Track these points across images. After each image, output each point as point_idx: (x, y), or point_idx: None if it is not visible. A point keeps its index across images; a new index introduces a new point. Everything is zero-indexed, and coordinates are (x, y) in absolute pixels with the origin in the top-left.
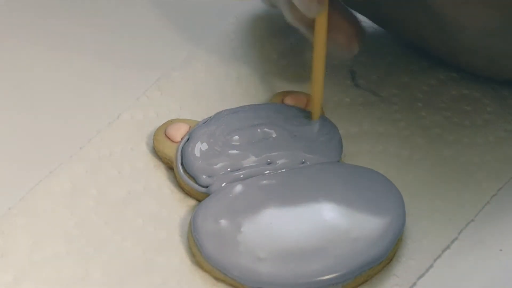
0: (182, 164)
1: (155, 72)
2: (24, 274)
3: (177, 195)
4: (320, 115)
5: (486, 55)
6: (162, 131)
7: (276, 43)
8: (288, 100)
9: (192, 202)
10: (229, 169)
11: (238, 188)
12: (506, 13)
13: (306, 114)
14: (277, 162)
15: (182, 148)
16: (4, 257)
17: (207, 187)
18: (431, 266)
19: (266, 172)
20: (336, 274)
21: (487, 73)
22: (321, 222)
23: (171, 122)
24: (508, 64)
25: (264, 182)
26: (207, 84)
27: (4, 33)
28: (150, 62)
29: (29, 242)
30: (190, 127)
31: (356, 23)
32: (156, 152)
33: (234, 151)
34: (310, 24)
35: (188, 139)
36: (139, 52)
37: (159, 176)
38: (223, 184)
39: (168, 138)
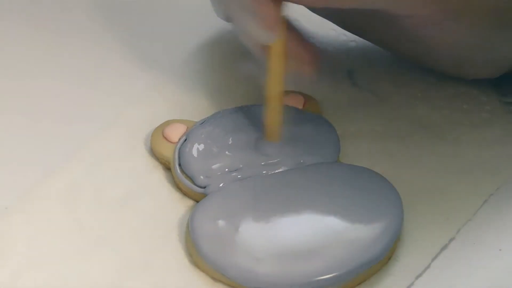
0: (179, 164)
1: (153, 73)
2: (21, 273)
3: (175, 195)
4: (317, 113)
5: (452, 61)
6: (160, 132)
7: None
8: (285, 101)
9: (189, 202)
10: (226, 169)
11: (236, 188)
12: (480, 31)
13: (304, 114)
14: (275, 162)
15: (180, 148)
16: (1, 256)
17: (204, 187)
18: (429, 265)
19: (263, 172)
20: (334, 274)
21: (454, 75)
22: (319, 222)
23: (168, 122)
24: (485, 68)
25: (262, 182)
26: (204, 84)
27: (4, 32)
28: (148, 63)
29: (27, 242)
30: (187, 127)
31: (312, 49)
32: (153, 153)
33: (232, 152)
34: (264, 51)
35: (185, 140)
36: (138, 53)
37: (157, 177)
38: (221, 185)
39: (166, 138)
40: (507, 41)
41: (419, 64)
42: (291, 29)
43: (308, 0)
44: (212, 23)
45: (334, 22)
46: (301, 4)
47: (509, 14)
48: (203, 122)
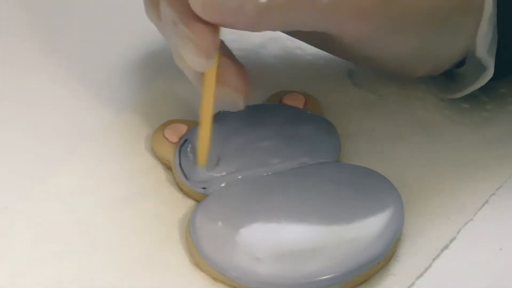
0: (180, 165)
1: (154, 72)
2: (21, 273)
3: (175, 195)
4: (317, 113)
5: (403, 65)
6: (160, 132)
7: (274, 44)
8: (286, 100)
9: (190, 202)
10: (227, 170)
11: (237, 189)
12: (420, 37)
13: (304, 114)
14: (275, 162)
15: (180, 149)
16: (1, 256)
17: (205, 188)
18: (429, 265)
19: (264, 172)
20: (335, 274)
21: (402, 75)
22: (319, 222)
23: (169, 123)
24: (422, 67)
25: (263, 182)
26: None
27: (3, 32)
28: (149, 62)
29: (27, 242)
30: (188, 128)
31: (245, 77)
32: (154, 153)
33: (232, 152)
34: (199, 76)
35: (186, 140)
36: (138, 52)
37: (158, 177)
38: (222, 185)
39: (166, 139)
40: (444, 40)
41: (365, 67)
42: (222, 53)
43: (242, 25)
44: None
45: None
46: (236, 29)
47: (441, 14)
48: None
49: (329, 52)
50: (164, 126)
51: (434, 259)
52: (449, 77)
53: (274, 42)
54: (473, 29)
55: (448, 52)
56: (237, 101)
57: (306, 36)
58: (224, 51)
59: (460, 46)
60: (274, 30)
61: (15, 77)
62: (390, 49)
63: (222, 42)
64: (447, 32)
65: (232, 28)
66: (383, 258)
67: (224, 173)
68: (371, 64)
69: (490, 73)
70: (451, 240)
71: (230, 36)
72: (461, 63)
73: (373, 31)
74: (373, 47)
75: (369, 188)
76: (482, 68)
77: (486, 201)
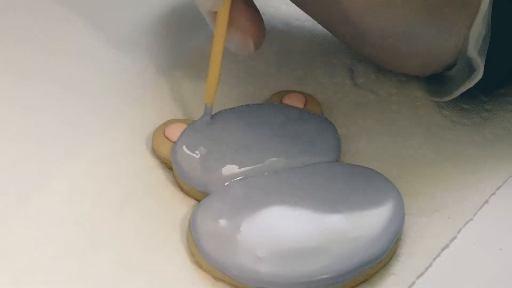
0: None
1: (154, 72)
2: (22, 274)
3: (176, 195)
4: (318, 113)
5: (387, 53)
6: (161, 131)
7: (275, 44)
8: (286, 100)
9: (191, 202)
10: (228, 169)
11: (237, 188)
12: (409, 21)
13: (304, 114)
14: (276, 162)
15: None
16: (3, 257)
17: (206, 187)
18: (430, 265)
19: (265, 171)
20: (335, 273)
21: (389, 68)
22: (320, 222)
23: (170, 122)
24: (410, 61)
25: (263, 181)
26: (205, 84)
27: (3, 33)
28: (149, 62)
29: (28, 242)
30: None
31: (258, 22)
32: (154, 153)
33: (233, 151)
34: (212, 14)
35: None
36: (139, 53)
37: (158, 176)
38: (222, 184)
39: (167, 138)
40: (435, 32)
41: (360, 54)
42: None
43: None
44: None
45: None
46: None
47: (437, 3)
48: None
49: (323, 24)
50: (165, 126)
51: (434, 259)
52: (440, 81)
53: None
54: (465, 28)
55: (438, 48)
56: (247, 45)
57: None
58: None
59: (450, 44)
60: None
61: (15, 77)
62: (379, 24)
63: None
64: (439, 25)
65: None
66: (384, 258)
67: (224, 173)
68: (359, 46)
69: (479, 74)
70: (452, 240)
71: None
72: (451, 67)
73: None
74: (365, 19)
75: (369, 188)
76: (472, 69)
77: (486, 201)
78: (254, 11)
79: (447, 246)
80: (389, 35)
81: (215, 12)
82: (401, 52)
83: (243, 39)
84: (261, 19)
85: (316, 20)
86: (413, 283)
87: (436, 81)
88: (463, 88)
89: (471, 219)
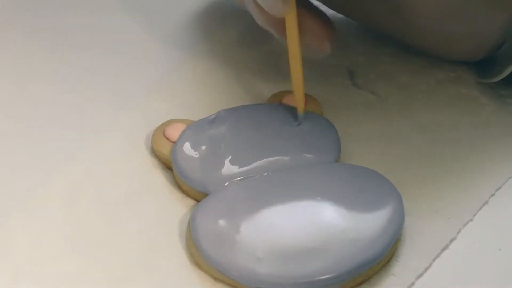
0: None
1: (154, 72)
2: (22, 273)
3: (176, 195)
4: (317, 113)
5: (440, 37)
6: (161, 132)
7: (274, 44)
8: (286, 100)
9: (190, 202)
10: (227, 169)
11: (237, 188)
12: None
13: (304, 114)
14: (275, 162)
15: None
16: (2, 256)
17: (205, 187)
18: (429, 266)
19: (264, 172)
20: (335, 274)
21: (441, 54)
22: (320, 222)
23: (169, 122)
24: (461, 45)
25: (263, 182)
26: (205, 84)
27: (3, 33)
28: (149, 62)
29: (28, 242)
30: None
31: (327, 22)
32: (154, 153)
33: (233, 152)
34: (280, 26)
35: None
36: (139, 53)
37: (158, 177)
38: (222, 185)
39: (167, 138)
40: (485, 14)
41: (403, 41)
42: (304, 2)
43: None
44: (212, 24)
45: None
46: None
47: None
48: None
49: (365, 20)
50: (164, 126)
51: (434, 259)
52: (489, 63)
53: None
54: None
55: (489, 26)
56: (323, 47)
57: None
58: (303, 2)
59: (500, 21)
60: None
61: (15, 77)
62: (432, 5)
63: None
64: (486, 7)
65: None
66: (383, 258)
67: (224, 173)
68: (408, 34)
69: None
70: (451, 241)
71: None
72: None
73: None
74: (417, 2)
75: (369, 188)
76: None
77: (486, 202)
78: (319, 12)
79: (446, 246)
80: (442, 16)
81: (280, 22)
82: (453, 34)
83: (318, 42)
84: (328, 18)
85: (355, 19)
86: (413, 283)
87: (485, 63)
88: None
89: (471, 220)
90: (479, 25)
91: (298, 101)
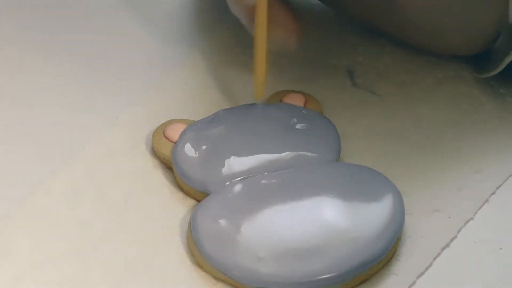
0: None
1: (154, 73)
2: (23, 274)
3: (177, 195)
4: (318, 112)
5: (432, 31)
6: (161, 132)
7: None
8: (286, 100)
9: (191, 202)
10: (227, 169)
11: (237, 188)
12: None
13: (304, 113)
14: (276, 161)
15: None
16: (3, 257)
17: (206, 187)
18: (430, 265)
19: (265, 171)
20: (336, 273)
21: (436, 49)
22: (321, 222)
23: (169, 122)
24: (455, 39)
25: (263, 182)
26: (205, 84)
27: (3, 34)
28: (149, 63)
29: (29, 242)
30: None
31: (295, 18)
32: (154, 153)
33: (233, 151)
34: (251, 15)
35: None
36: (138, 53)
37: (158, 177)
38: (222, 184)
39: (167, 138)
40: (476, 6)
41: (397, 37)
42: None
43: None
44: (212, 24)
45: None
46: None
47: None
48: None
49: (359, 15)
50: (165, 126)
51: (434, 258)
52: (486, 57)
53: None
54: None
55: (481, 20)
56: (290, 41)
57: None
58: None
59: (492, 14)
60: None
61: (15, 76)
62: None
63: None
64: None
65: None
66: (384, 257)
67: (224, 173)
68: (402, 31)
69: None
70: (452, 239)
71: None
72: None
73: None
74: None
75: (370, 187)
76: None
77: (486, 200)
78: (290, 6)
79: (447, 245)
80: (433, 9)
81: (250, 10)
82: (445, 28)
83: (286, 35)
84: (298, 14)
85: (349, 15)
86: (414, 282)
87: (482, 58)
88: (508, 59)
89: (472, 219)
90: (471, 18)
91: (257, 88)
